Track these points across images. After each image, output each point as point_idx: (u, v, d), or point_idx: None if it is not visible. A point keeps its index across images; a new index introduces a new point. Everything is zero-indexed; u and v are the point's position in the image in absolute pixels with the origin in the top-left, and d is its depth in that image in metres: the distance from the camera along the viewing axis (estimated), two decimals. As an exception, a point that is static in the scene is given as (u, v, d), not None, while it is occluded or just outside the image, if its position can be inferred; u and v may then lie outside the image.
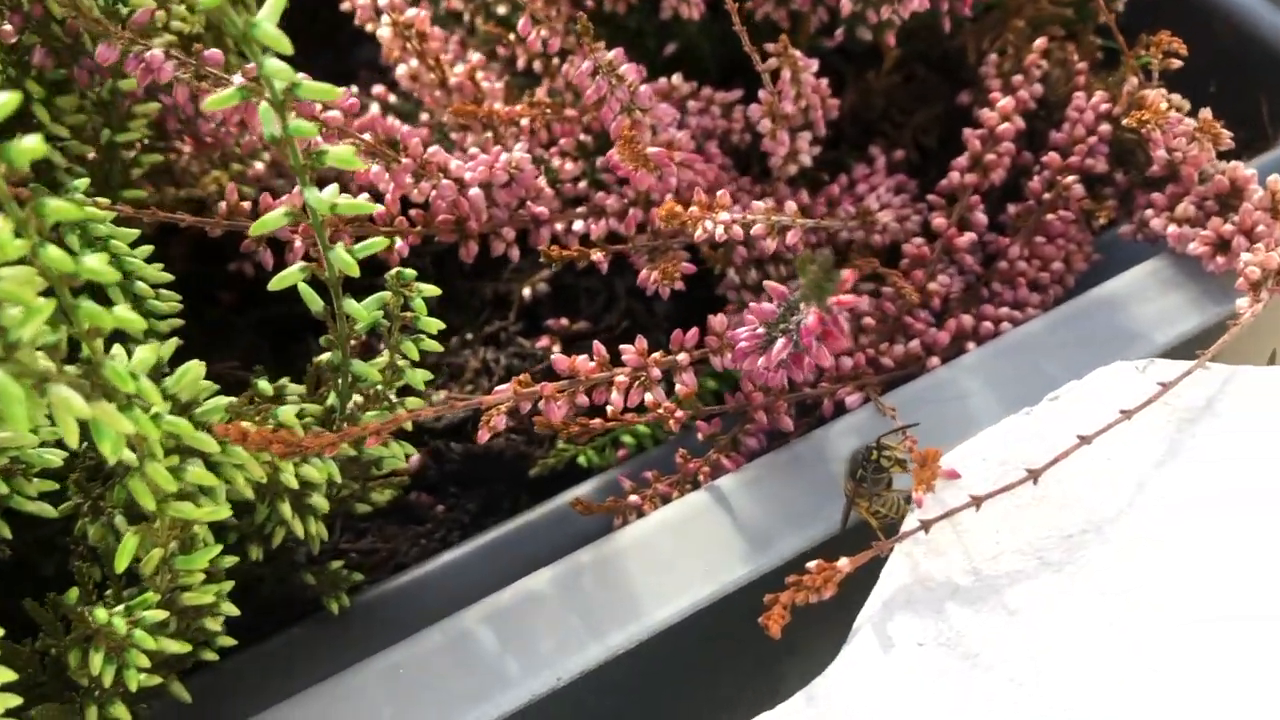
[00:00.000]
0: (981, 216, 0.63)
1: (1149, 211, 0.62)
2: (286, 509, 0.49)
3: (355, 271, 0.44)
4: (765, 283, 0.44)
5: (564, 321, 0.72)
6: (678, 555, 0.51)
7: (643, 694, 0.54)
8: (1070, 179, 0.63)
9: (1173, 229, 0.60)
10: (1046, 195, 0.64)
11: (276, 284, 0.45)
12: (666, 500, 0.55)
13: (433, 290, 0.48)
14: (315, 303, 0.47)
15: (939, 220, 0.63)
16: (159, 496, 0.42)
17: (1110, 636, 0.44)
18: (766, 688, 0.53)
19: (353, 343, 0.49)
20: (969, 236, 0.62)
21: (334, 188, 0.45)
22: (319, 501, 0.51)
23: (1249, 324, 0.54)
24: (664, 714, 0.57)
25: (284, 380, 0.54)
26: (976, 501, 0.46)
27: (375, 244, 0.46)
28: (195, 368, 0.43)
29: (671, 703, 0.56)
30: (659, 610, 0.50)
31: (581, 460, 0.64)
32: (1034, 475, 0.47)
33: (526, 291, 0.74)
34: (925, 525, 0.46)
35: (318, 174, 0.43)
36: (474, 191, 0.56)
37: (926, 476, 0.42)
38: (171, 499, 0.43)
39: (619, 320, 0.72)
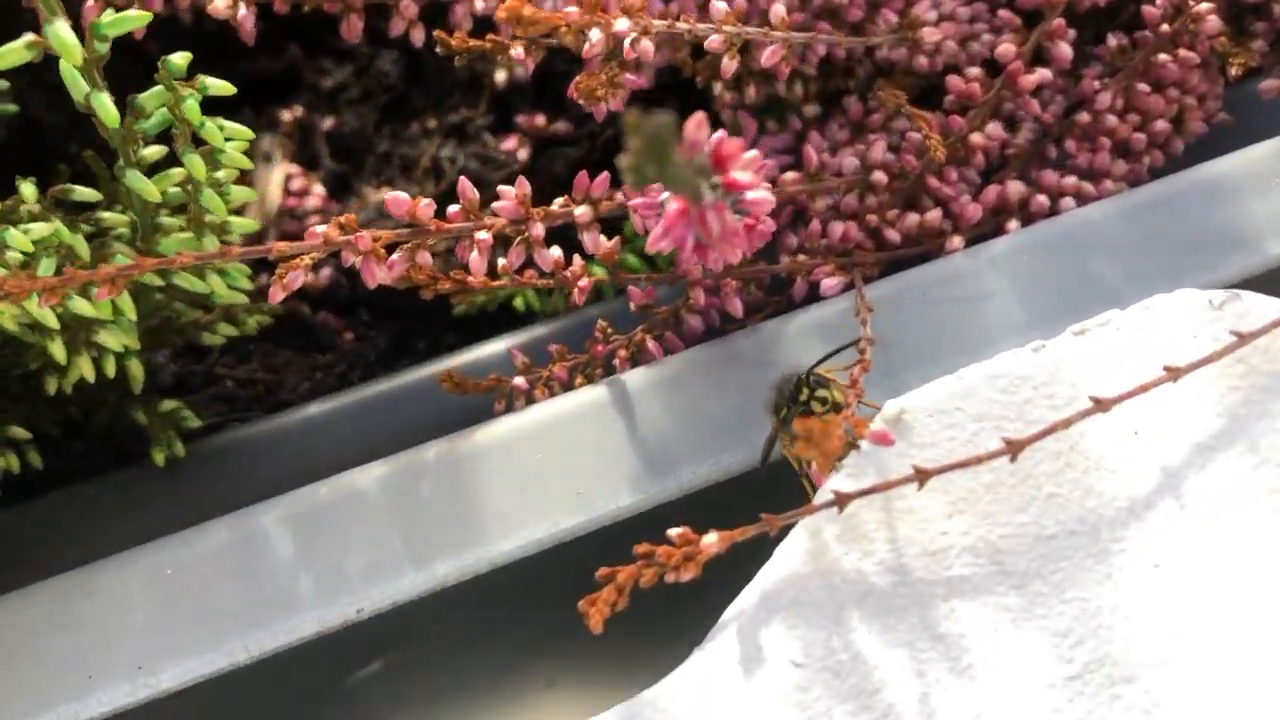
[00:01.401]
0: (1066, 49, 0.46)
1: (1303, 65, 0.45)
2: (57, 348, 0.39)
3: (75, 57, 0.31)
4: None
5: (539, 120, 0.59)
6: (549, 468, 0.40)
7: (471, 649, 0.43)
8: (1205, 6, 0.46)
9: (1329, 95, 0.43)
10: (1166, 26, 0.47)
11: (-9, 63, 0.33)
12: (569, 388, 0.43)
13: (224, 88, 0.35)
14: (79, 90, 0.35)
15: (1005, 47, 0.46)
16: None
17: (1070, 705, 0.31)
18: (648, 657, 0.41)
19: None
20: (1040, 75, 0.45)
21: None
22: (109, 339, 0.40)
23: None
24: (498, 681, 0.46)
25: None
26: (921, 476, 0.33)
27: (129, 19, 0.33)
28: None
29: (510, 665, 0.45)
30: (505, 539, 0.38)
31: (518, 303, 0.52)
32: (1012, 450, 0.33)
33: (501, 76, 0.60)
34: (840, 500, 0.33)
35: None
36: (363, -51, 0.42)
37: (820, 457, 0.28)
38: None
39: (606, 126, 0.58)
